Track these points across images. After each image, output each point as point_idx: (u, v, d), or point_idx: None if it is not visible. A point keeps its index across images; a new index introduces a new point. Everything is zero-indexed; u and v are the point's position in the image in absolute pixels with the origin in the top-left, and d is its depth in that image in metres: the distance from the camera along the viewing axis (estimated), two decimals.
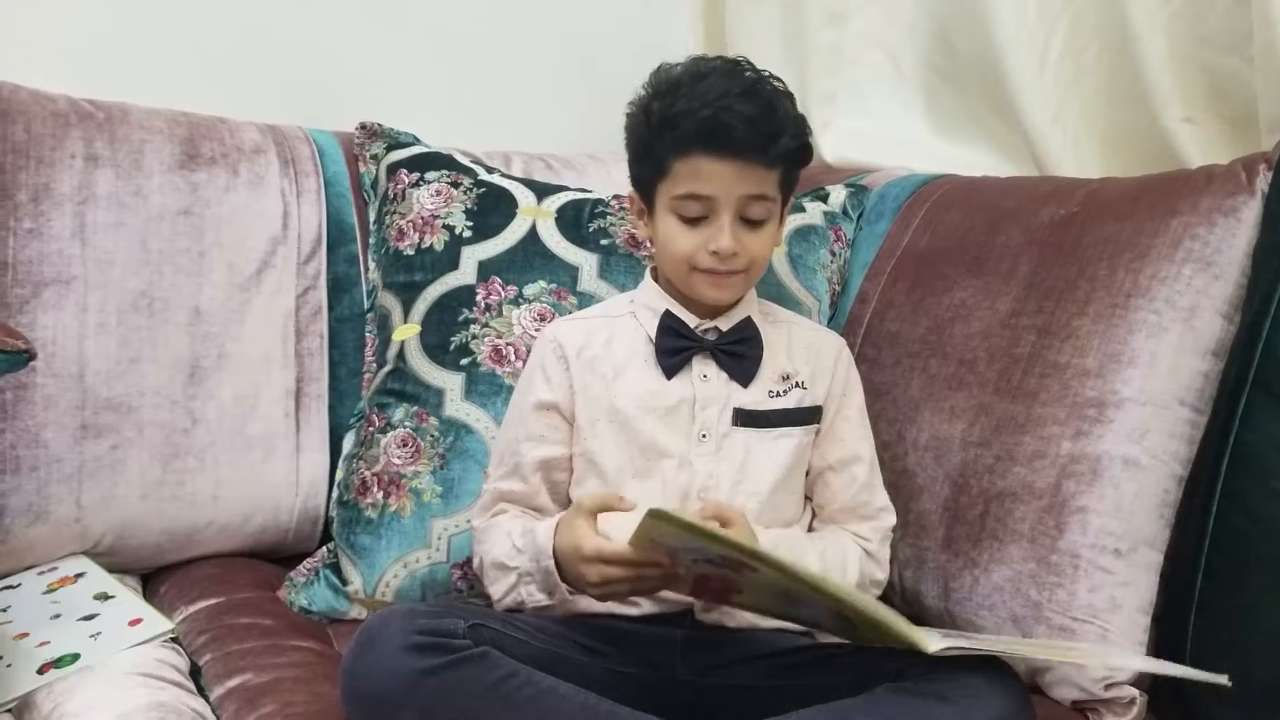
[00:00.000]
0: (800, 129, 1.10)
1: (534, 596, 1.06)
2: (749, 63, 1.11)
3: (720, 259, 1.08)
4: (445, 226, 1.36)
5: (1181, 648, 1.04)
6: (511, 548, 1.07)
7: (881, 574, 1.15)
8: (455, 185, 1.40)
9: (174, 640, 1.13)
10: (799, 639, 1.08)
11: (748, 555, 0.85)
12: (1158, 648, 1.06)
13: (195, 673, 1.10)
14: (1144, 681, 1.04)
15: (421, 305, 1.33)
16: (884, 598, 1.23)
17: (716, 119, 1.05)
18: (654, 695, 1.02)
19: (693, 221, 1.09)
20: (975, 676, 0.92)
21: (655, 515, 0.85)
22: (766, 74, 1.11)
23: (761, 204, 1.08)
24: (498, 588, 1.09)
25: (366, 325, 1.42)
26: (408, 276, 1.35)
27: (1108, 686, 1.02)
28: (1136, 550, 1.04)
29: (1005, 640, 0.86)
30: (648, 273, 1.20)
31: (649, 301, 1.17)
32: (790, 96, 1.12)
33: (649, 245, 1.22)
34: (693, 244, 1.09)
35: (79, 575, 1.20)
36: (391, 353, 1.33)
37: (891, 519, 1.16)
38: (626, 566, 0.96)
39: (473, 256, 1.34)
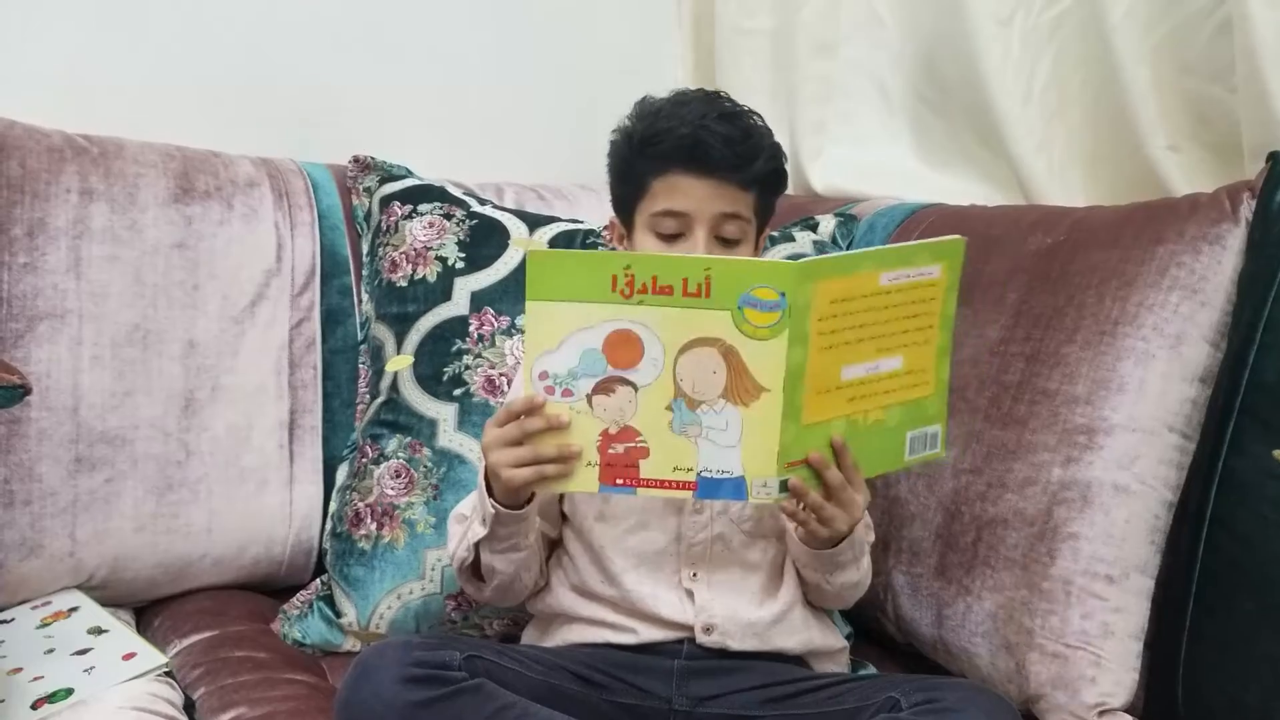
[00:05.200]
0: (776, 154, 1.13)
1: (475, 531, 1.05)
2: (728, 95, 1.14)
3: None
4: (438, 258, 1.37)
5: (1174, 673, 1.05)
6: (473, 495, 1.08)
7: (869, 578, 1.14)
8: (448, 217, 1.41)
9: (168, 674, 1.12)
10: (795, 669, 1.08)
11: (621, 268, 0.89)
12: (1151, 673, 1.06)
13: (189, 707, 1.09)
14: (1138, 707, 1.05)
15: (414, 336, 1.34)
16: (877, 624, 1.24)
17: (694, 137, 1.07)
18: None
19: (669, 239, 1.11)
20: (972, 706, 0.92)
21: (533, 254, 0.90)
22: (746, 107, 1.13)
23: (736, 223, 1.10)
24: (453, 541, 1.10)
25: (360, 356, 1.42)
26: (401, 308, 1.36)
27: (1102, 713, 1.02)
28: (1128, 576, 1.05)
29: (854, 251, 0.91)
30: None
31: None
32: (768, 129, 1.14)
33: None
34: None
35: (72, 609, 1.20)
36: (385, 384, 1.34)
37: (872, 536, 1.17)
38: (516, 421, 0.95)
39: (465, 287, 1.35)
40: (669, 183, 1.09)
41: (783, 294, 0.88)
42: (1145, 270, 1.09)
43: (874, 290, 0.93)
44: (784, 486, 0.94)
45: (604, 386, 0.92)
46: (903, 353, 0.97)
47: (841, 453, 0.96)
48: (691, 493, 0.94)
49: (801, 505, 0.98)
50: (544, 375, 0.92)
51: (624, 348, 0.91)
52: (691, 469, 0.94)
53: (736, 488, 0.94)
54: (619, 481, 0.95)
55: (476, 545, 1.06)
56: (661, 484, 0.94)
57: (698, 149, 1.07)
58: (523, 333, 1.31)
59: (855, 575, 1.09)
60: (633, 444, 0.93)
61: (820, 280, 0.89)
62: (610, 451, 0.94)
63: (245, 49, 1.57)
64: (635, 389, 0.92)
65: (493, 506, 1.01)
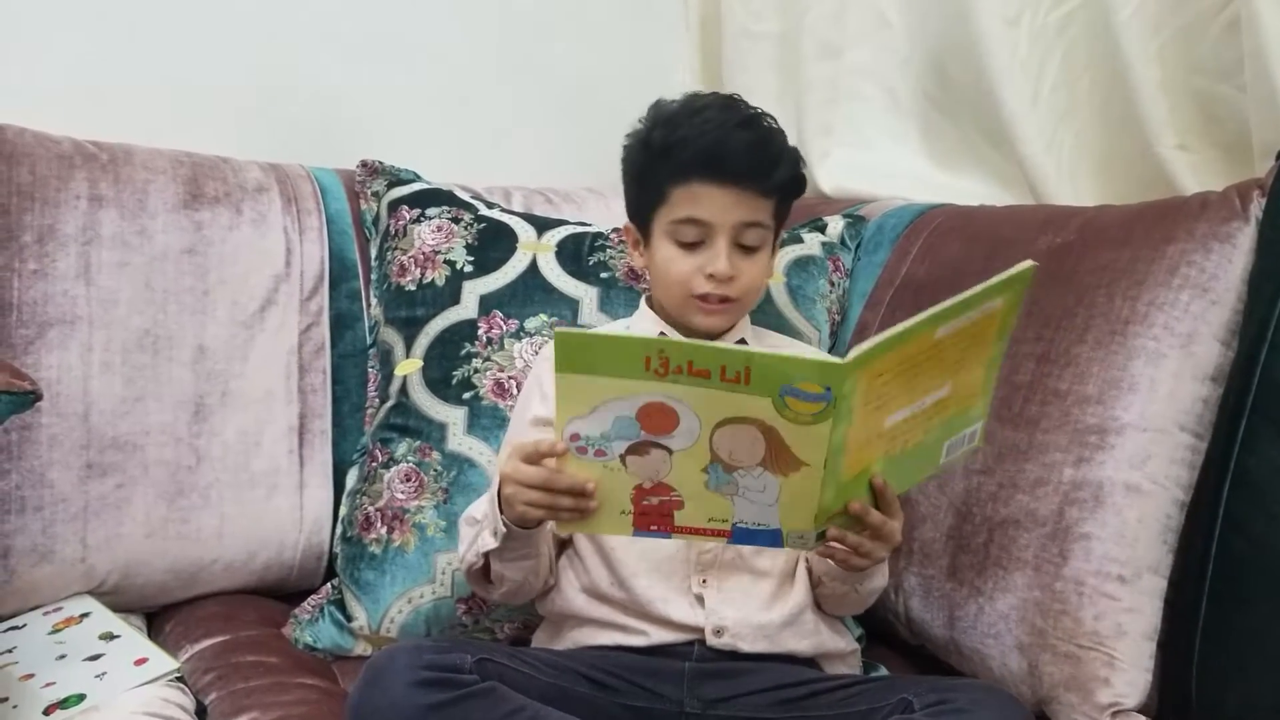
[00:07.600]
0: (796, 161, 1.13)
1: (486, 542, 1.04)
2: (742, 99, 1.14)
3: (717, 283, 1.10)
4: (446, 262, 1.37)
5: (1187, 673, 1.04)
6: (484, 500, 1.07)
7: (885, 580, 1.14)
8: (456, 221, 1.41)
9: (179, 679, 1.12)
10: (806, 671, 1.08)
11: (655, 350, 0.82)
12: (1164, 673, 1.06)
13: (201, 712, 1.09)
14: (1152, 708, 1.04)
15: (423, 340, 1.34)
16: (889, 626, 1.24)
17: (719, 146, 1.08)
18: None
19: (690, 246, 1.11)
20: (984, 708, 0.92)
21: (560, 335, 0.84)
22: (759, 110, 1.13)
23: (756, 231, 1.11)
24: (463, 545, 1.09)
25: (369, 361, 1.42)
26: (409, 312, 1.36)
27: (1115, 714, 1.02)
28: (1140, 576, 1.04)
29: (910, 321, 0.82)
30: (643, 300, 1.23)
31: (644, 326, 1.19)
32: (784, 132, 1.14)
33: (645, 275, 1.24)
34: (689, 268, 1.11)
35: (84, 615, 1.20)
36: (394, 388, 1.34)
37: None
38: (542, 470, 0.93)
39: (474, 291, 1.35)
40: (690, 191, 1.10)
41: (828, 387, 0.82)
42: (1155, 269, 1.09)
43: (928, 345, 0.85)
44: (821, 536, 0.93)
45: (638, 449, 0.89)
46: (951, 380, 0.90)
47: (882, 492, 0.93)
48: (726, 539, 0.93)
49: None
50: (575, 437, 0.89)
51: (659, 416, 0.86)
52: (727, 520, 0.92)
53: (772, 538, 0.92)
54: (653, 528, 0.93)
55: (486, 554, 1.06)
56: (695, 531, 0.93)
57: (720, 158, 1.07)
58: (531, 336, 1.32)
59: (882, 581, 1.10)
60: (667, 497, 0.91)
61: (870, 363, 0.82)
62: (644, 503, 0.92)
63: (253, 56, 1.58)
64: (670, 452, 0.88)
65: (504, 525, 1.01)
